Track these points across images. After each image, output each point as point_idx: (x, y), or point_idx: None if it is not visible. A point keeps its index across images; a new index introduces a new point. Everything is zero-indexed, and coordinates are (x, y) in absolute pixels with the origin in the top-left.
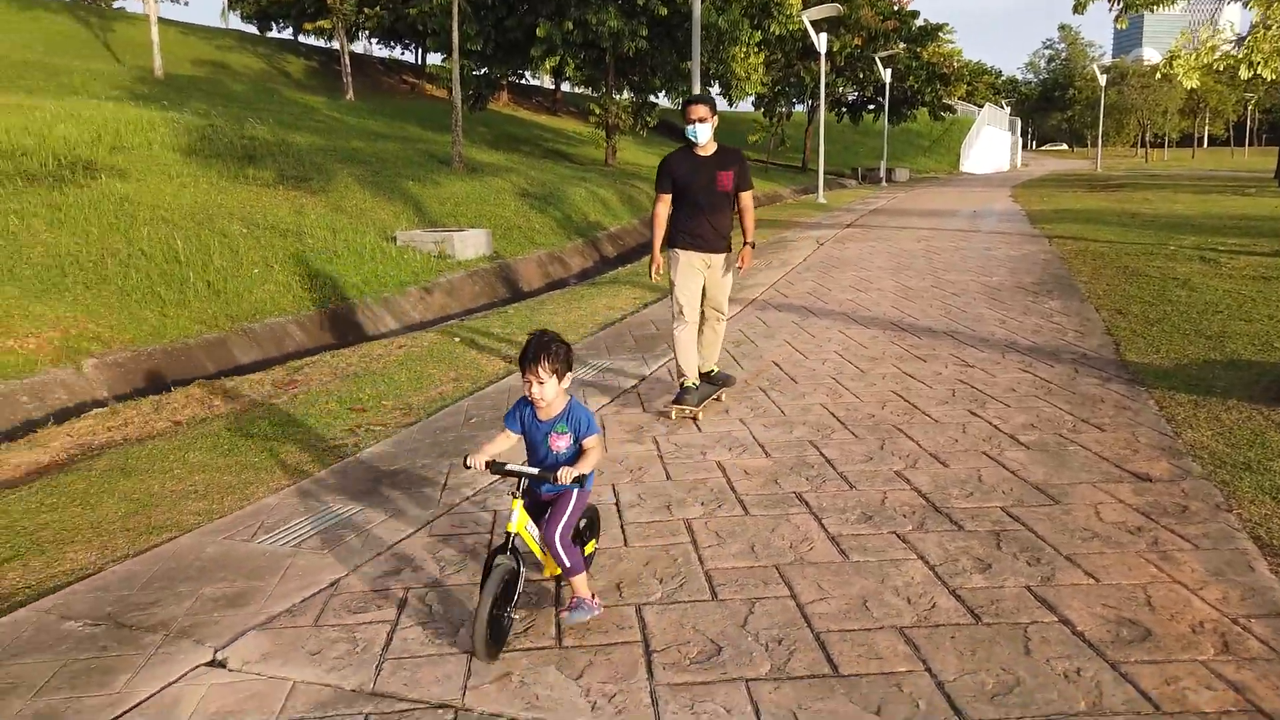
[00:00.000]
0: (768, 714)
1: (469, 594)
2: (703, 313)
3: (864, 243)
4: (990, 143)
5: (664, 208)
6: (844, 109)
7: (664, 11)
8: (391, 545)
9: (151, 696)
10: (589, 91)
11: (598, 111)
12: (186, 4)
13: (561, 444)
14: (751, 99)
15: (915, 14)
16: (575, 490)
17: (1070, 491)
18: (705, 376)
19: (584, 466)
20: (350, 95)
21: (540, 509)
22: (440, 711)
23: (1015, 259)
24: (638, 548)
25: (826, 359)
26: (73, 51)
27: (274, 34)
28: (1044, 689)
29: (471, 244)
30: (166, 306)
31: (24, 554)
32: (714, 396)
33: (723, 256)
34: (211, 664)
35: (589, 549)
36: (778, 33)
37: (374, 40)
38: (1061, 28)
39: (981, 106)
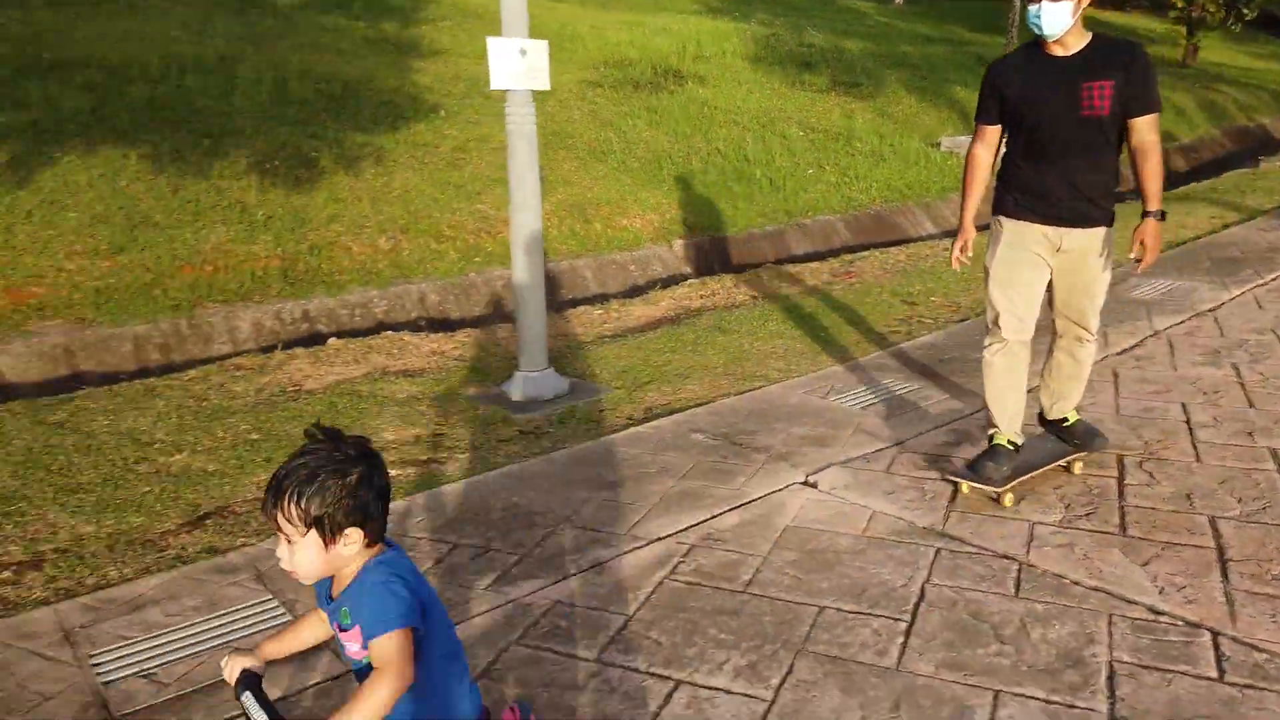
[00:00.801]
0: None
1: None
2: (1055, 327)
3: None
4: None
5: (984, 150)
6: None
7: None
8: (950, 422)
9: (762, 497)
10: None
11: (1179, 4)
12: None
13: (351, 644)
14: None
15: None
16: None
17: None
18: (1053, 426)
19: (351, 711)
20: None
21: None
22: (1006, 561)
23: None
24: (1212, 465)
25: None
26: None
27: None
28: None
29: None
30: (736, 200)
31: (657, 381)
32: (1061, 463)
33: (1090, 234)
34: (804, 484)
35: None
36: None
37: None
38: None
39: None
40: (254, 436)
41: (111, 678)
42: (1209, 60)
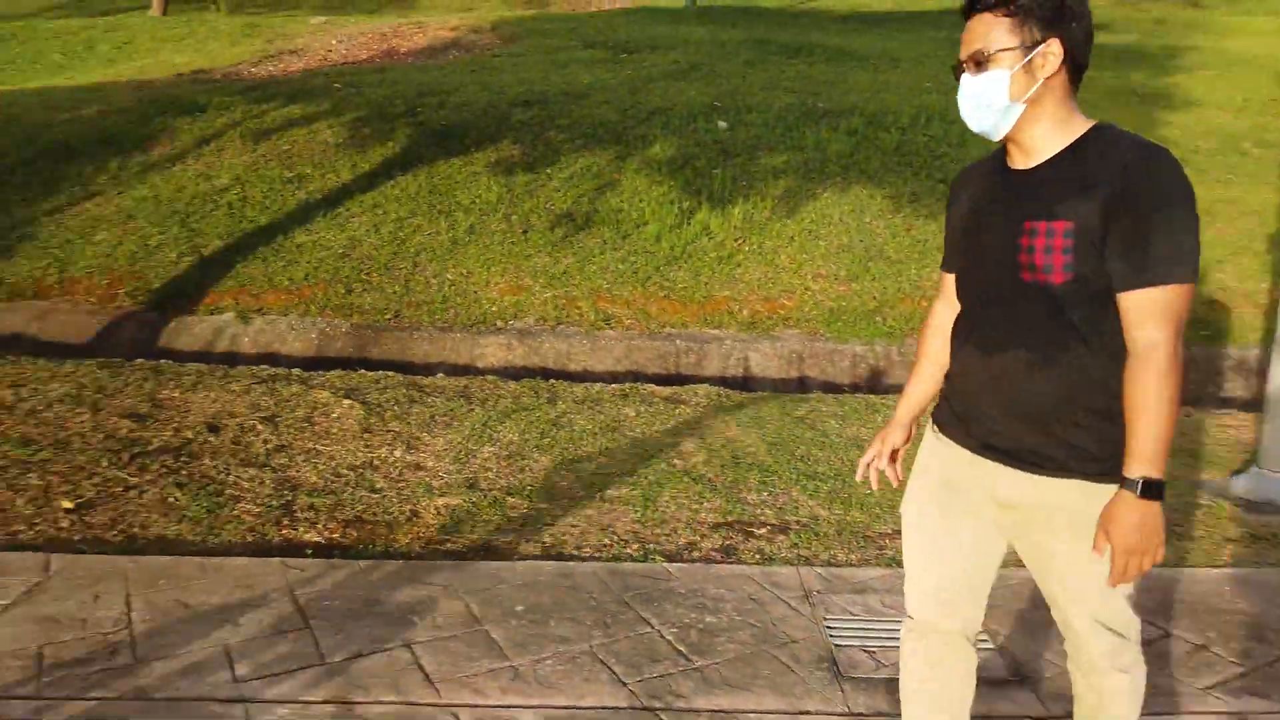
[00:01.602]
0: None
1: None
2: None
3: None
4: None
5: (942, 307)
6: None
7: None
8: None
9: None
10: None
11: None
12: None
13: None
14: None
15: None
16: None
17: None
18: None
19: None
20: None
21: None
22: None
23: None
24: None
25: None
26: None
27: None
28: None
29: None
30: None
31: None
32: None
33: (1043, 486)
34: None
35: None
36: None
37: None
38: None
39: None
40: None
41: (840, 642)
42: None
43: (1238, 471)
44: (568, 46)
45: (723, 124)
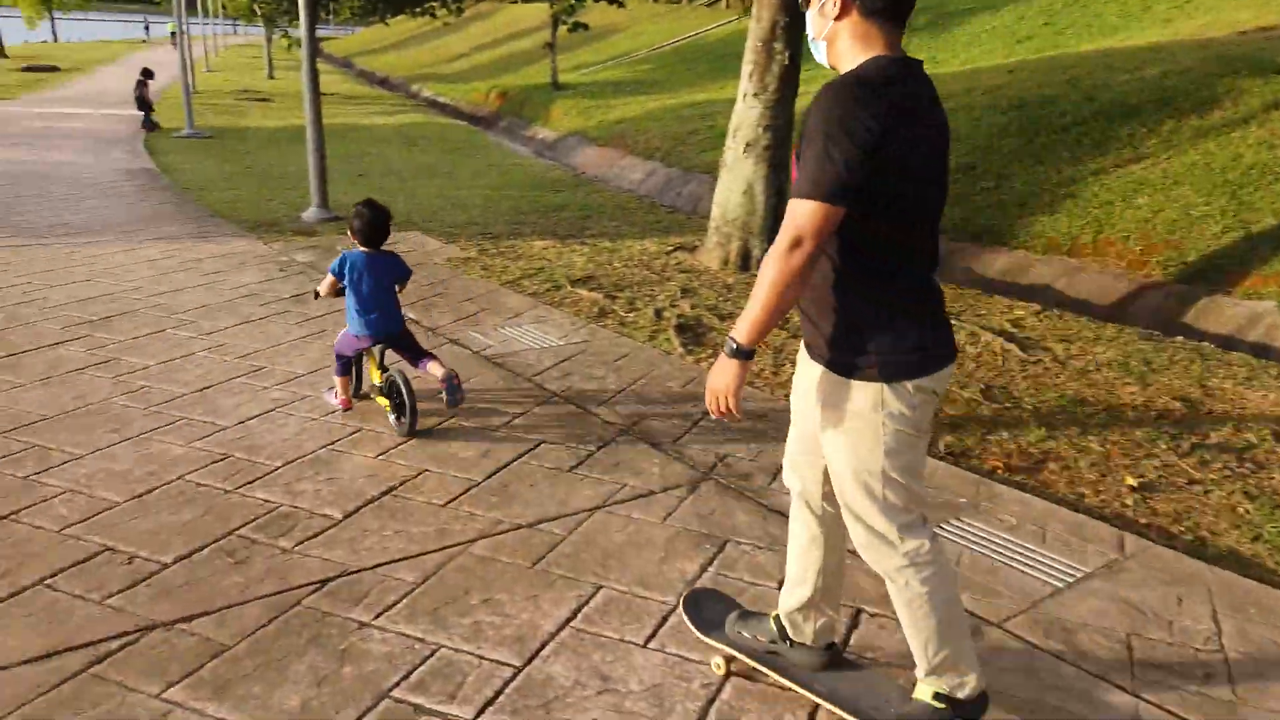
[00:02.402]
0: None
1: None
2: None
3: None
4: None
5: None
6: None
7: None
8: None
9: None
10: None
11: None
12: None
13: None
14: None
15: None
16: None
17: None
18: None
19: None
20: None
21: None
22: None
23: None
24: None
25: None
26: None
27: None
28: None
29: None
30: None
31: None
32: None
33: (810, 368)
34: None
35: None
36: None
37: None
38: None
39: None
40: None
41: None
42: None
43: None
44: None
45: None
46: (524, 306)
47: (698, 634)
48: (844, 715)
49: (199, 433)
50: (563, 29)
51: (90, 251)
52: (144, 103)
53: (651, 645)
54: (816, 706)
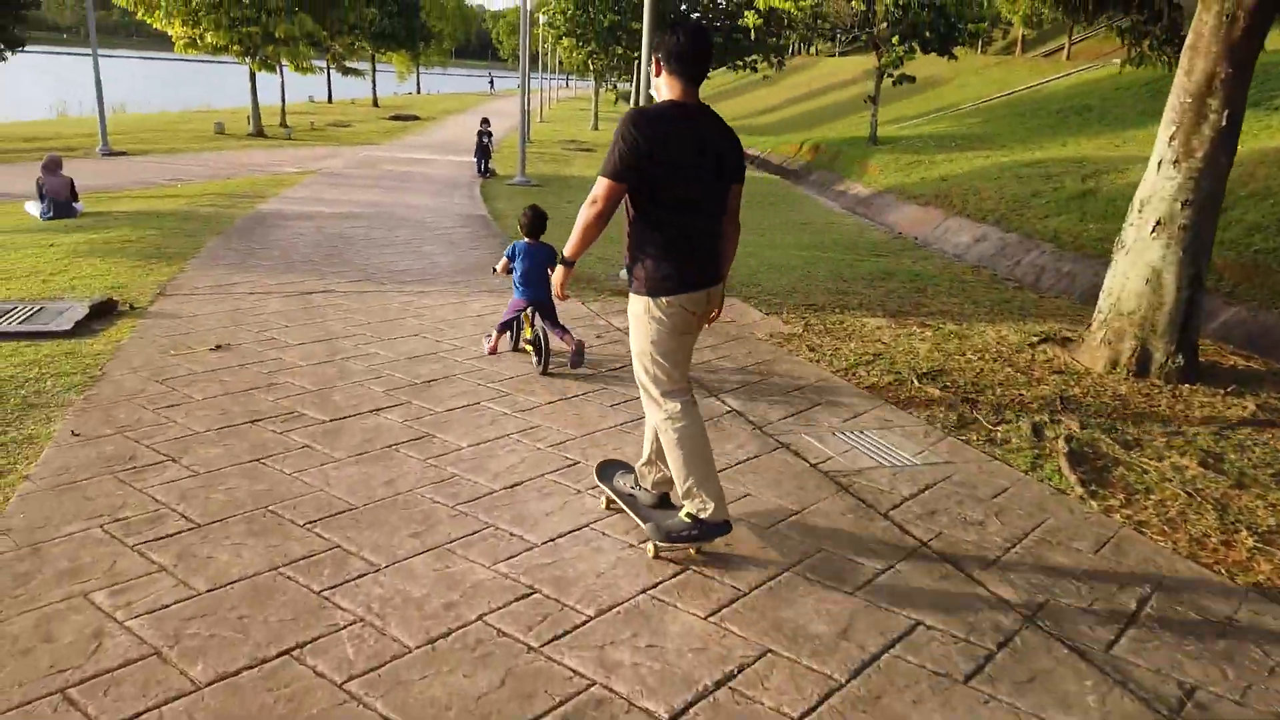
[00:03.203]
0: None
1: None
2: None
3: None
4: None
5: None
6: None
7: None
8: None
9: None
10: None
11: None
12: None
13: None
14: None
15: None
16: None
17: None
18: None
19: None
20: None
21: None
22: None
23: None
24: None
25: None
26: None
27: None
28: None
29: None
30: None
31: None
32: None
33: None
34: None
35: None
36: None
37: None
38: None
39: None
40: None
41: None
42: None
43: None
44: None
45: None
46: (864, 404)
47: (599, 483)
48: (639, 520)
49: (505, 549)
50: (886, 81)
51: (423, 303)
52: (483, 150)
53: None
54: None
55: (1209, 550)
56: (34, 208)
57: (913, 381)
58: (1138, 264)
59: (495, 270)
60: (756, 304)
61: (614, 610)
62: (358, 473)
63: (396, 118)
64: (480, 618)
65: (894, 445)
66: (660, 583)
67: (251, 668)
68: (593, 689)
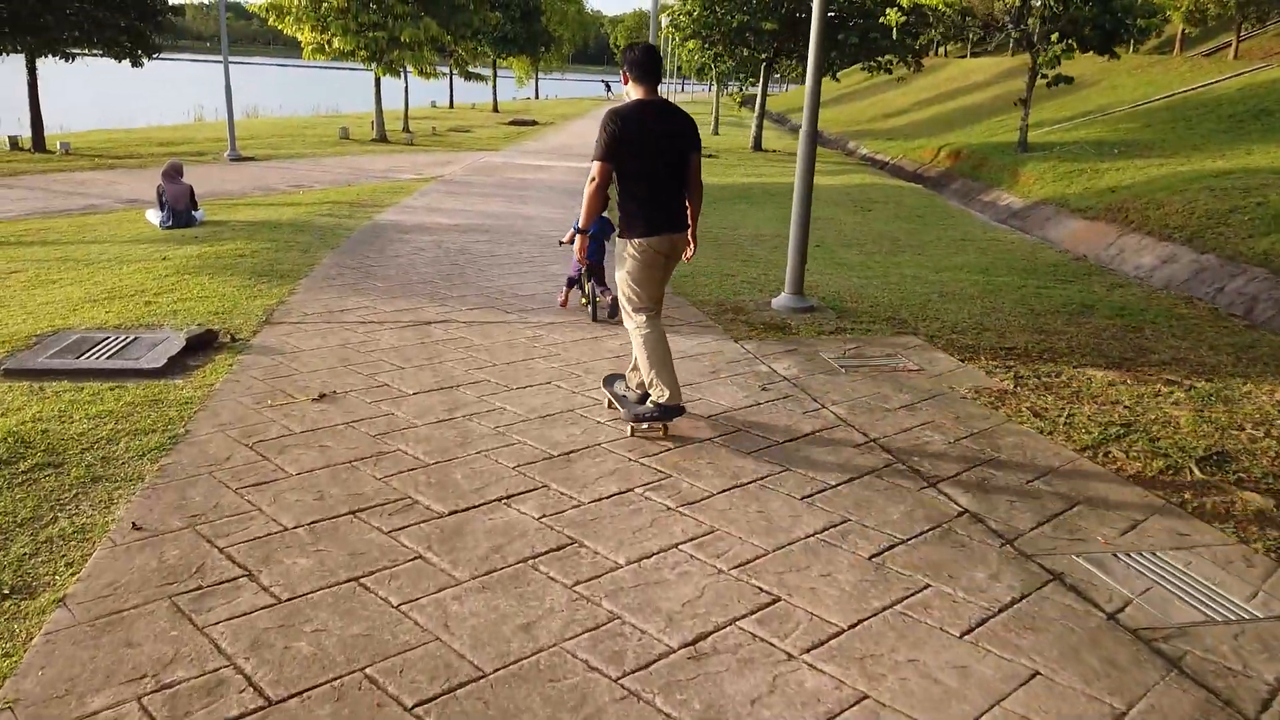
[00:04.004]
0: None
1: None
2: None
3: None
4: None
5: None
6: None
7: None
8: None
9: None
10: None
11: None
12: None
13: None
14: None
15: None
16: None
17: None
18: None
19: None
20: None
21: None
22: None
23: None
24: None
25: None
26: None
27: None
28: None
29: None
30: None
31: None
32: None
33: None
34: None
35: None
36: None
37: None
38: None
39: None
40: None
41: None
42: None
43: None
44: None
45: None
46: (1137, 504)
47: (603, 388)
48: (621, 410)
49: None
50: (1038, 83)
51: (552, 338)
52: None
53: None
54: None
55: None
56: (154, 216)
57: (1191, 470)
58: None
59: (561, 242)
60: (944, 345)
61: None
62: (484, 608)
63: (515, 123)
64: None
65: (1207, 579)
66: None
67: None
68: None
